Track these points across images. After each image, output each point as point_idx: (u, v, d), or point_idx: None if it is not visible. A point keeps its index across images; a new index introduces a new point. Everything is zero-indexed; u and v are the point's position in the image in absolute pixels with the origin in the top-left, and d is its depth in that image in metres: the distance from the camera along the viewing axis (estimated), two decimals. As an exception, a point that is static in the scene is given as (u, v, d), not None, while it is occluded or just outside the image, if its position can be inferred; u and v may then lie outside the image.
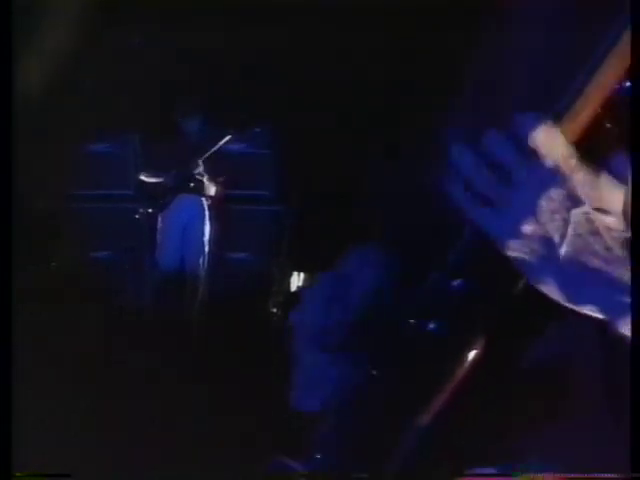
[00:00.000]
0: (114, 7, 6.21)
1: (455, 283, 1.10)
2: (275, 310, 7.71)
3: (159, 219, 7.93)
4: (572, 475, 1.11)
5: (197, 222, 7.92)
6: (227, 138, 7.85)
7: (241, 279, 7.95)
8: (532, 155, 1.03)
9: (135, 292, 7.94)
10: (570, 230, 1.03)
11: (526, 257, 1.03)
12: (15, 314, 1.33)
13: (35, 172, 6.03)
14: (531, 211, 1.03)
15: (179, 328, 6.95)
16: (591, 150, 1.04)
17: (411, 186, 1.37)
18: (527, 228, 1.03)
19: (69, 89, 6.73)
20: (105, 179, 8.26)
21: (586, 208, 1.02)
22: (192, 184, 7.93)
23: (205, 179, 7.93)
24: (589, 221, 1.02)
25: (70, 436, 3.83)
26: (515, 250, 1.04)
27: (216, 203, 7.99)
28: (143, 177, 7.97)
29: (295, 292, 7.80)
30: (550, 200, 1.02)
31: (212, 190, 7.95)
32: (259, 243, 8.24)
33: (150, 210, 7.94)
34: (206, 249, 7.89)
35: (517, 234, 1.03)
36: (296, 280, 8.01)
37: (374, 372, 1.17)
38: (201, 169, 7.92)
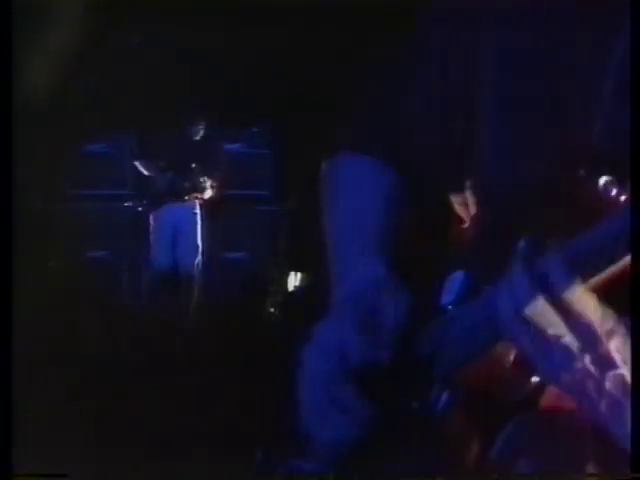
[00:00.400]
0: (114, 7, 6.20)
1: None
2: (273, 310, 7.71)
3: (155, 219, 7.92)
4: (572, 475, 1.11)
5: (194, 222, 7.92)
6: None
7: (239, 279, 7.95)
8: (567, 312, 1.02)
9: (132, 292, 7.94)
10: (606, 391, 1.02)
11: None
12: (15, 314, 1.33)
13: (33, 172, 6.03)
14: (569, 370, 1.02)
15: (176, 328, 6.95)
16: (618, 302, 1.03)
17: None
18: (564, 380, 1.03)
19: (68, 89, 6.72)
20: (102, 179, 8.26)
21: (621, 370, 1.02)
22: (189, 183, 7.93)
23: (202, 178, 7.93)
24: (624, 380, 1.02)
25: (70, 436, 3.82)
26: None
27: (213, 203, 7.98)
28: (138, 166, 7.96)
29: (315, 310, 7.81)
30: (586, 364, 1.02)
31: (209, 190, 7.95)
32: (257, 243, 8.23)
33: (146, 209, 7.94)
34: (202, 249, 7.89)
35: (557, 381, 1.03)
36: (294, 280, 8.00)
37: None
38: (199, 168, 7.92)
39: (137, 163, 7.99)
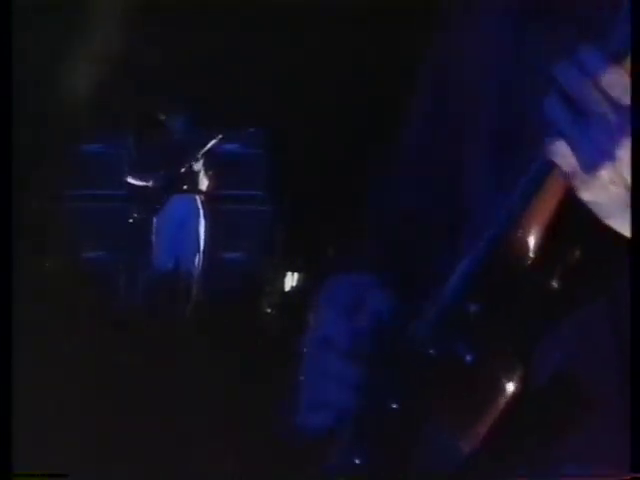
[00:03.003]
0: (114, 7, 6.21)
1: (473, 306, 1.06)
2: (269, 310, 7.71)
3: (153, 219, 7.92)
4: (572, 475, 1.11)
5: (191, 222, 7.92)
6: (218, 137, 7.84)
7: (235, 279, 7.94)
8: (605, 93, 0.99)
9: (130, 292, 7.93)
10: None
11: (600, 200, 1.01)
12: (15, 314, 1.33)
13: (30, 173, 6.03)
14: (609, 153, 1.00)
15: (173, 328, 6.96)
16: None
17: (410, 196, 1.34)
18: (604, 172, 1.01)
19: (67, 89, 6.73)
20: (98, 179, 8.24)
21: None
22: (185, 184, 7.93)
23: (198, 179, 7.93)
24: None
25: (70, 436, 3.83)
26: (589, 192, 1.01)
27: (209, 203, 7.98)
28: (131, 180, 7.96)
29: (305, 301, 7.79)
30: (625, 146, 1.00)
31: (205, 190, 7.95)
32: (253, 243, 8.23)
33: (144, 210, 7.93)
34: (200, 249, 7.88)
35: (593, 175, 1.00)
36: (290, 280, 8.00)
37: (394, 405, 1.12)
38: (194, 169, 7.92)
39: (130, 178, 7.97)
